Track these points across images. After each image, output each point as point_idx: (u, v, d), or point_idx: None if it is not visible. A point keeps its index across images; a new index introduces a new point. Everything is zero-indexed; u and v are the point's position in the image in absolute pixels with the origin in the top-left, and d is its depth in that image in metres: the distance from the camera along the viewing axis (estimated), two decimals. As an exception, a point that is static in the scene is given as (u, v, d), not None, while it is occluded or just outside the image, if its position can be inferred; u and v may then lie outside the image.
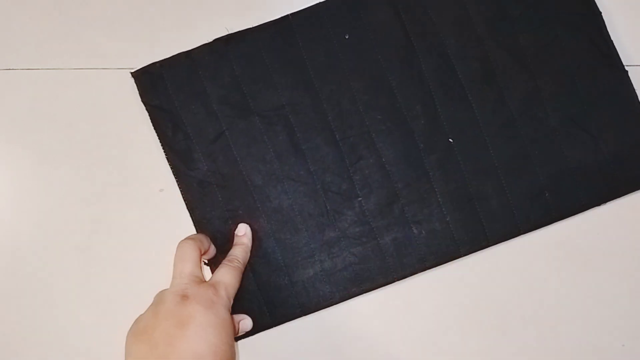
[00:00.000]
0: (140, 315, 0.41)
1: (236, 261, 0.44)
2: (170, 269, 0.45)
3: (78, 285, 0.47)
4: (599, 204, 0.49)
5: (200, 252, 0.43)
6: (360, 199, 0.48)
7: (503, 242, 0.48)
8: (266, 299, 0.47)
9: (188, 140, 0.47)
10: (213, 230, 0.47)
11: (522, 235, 0.48)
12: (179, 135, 0.47)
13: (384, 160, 0.48)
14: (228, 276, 0.42)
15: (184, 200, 0.47)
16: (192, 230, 0.47)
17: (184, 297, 0.39)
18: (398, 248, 0.47)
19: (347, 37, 0.48)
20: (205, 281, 0.42)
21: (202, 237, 0.45)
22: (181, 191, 0.47)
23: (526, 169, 0.48)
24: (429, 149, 0.48)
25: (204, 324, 0.38)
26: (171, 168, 0.47)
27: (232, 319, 0.42)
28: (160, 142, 0.47)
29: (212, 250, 0.46)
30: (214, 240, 0.47)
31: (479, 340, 0.48)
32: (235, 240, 0.46)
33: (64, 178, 0.47)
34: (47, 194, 0.47)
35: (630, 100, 0.49)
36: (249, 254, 0.46)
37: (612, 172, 0.48)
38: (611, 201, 0.49)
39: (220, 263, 0.44)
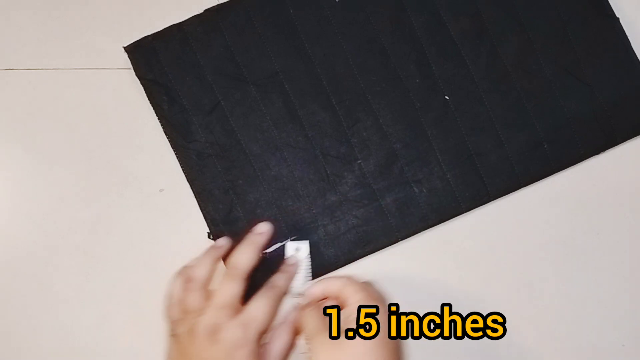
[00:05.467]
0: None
1: (277, 289, 0.43)
2: (168, 268, 0.45)
3: (78, 285, 0.47)
4: (597, 153, 0.49)
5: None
6: (359, 161, 0.48)
7: (504, 197, 0.48)
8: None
9: (184, 112, 0.47)
10: (214, 201, 0.47)
11: (522, 189, 0.48)
12: (175, 108, 0.47)
13: (381, 121, 0.48)
14: (263, 310, 0.41)
15: (184, 173, 0.47)
16: (192, 230, 0.47)
17: (214, 332, 0.39)
18: (400, 208, 0.47)
19: (337, 0, 0.48)
20: (240, 310, 0.41)
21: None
22: (180, 164, 0.47)
23: (523, 122, 0.48)
24: (425, 107, 0.48)
25: None
26: (169, 141, 0.47)
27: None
28: (157, 115, 0.47)
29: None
30: (216, 211, 0.47)
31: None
32: (283, 267, 0.45)
33: (64, 178, 0.47)
34: (47, 194, 0.47)
35: (623, 47, 0.49)
36: (290, 282, 0.45)
37: (608, 120, 0.49)
38: (609, 149, 0.49)
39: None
